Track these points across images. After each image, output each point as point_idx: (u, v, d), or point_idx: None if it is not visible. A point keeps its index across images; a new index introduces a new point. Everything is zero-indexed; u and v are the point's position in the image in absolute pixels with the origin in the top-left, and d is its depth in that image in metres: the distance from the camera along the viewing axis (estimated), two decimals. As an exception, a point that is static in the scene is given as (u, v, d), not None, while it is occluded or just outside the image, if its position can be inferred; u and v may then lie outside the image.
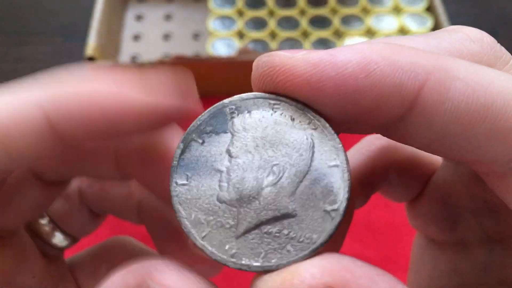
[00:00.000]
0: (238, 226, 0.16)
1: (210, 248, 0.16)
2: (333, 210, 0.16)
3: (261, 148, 0.16)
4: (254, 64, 0.17)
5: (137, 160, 0.21)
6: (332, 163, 0.16)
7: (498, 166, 0.16)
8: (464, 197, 0.23)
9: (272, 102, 0.17)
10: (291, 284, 0.14)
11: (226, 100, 0.17)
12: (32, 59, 0.67)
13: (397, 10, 0.68)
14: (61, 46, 0.68)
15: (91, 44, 0.58)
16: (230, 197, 0.16)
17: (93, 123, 0.17)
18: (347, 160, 0.16)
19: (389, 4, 0.68)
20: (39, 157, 0.18)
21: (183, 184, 0.16)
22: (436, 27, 0.64)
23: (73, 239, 0.26)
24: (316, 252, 0.16)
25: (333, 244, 0.22)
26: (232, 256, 0.16)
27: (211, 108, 0.17)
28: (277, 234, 0.16)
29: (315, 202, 0.16)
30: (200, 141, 0.17)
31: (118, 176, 0.23)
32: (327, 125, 0.16)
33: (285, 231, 0.16)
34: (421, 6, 0.67)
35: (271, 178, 0.16)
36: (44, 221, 0.25)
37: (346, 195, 0.16)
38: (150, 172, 0.21)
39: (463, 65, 0.16)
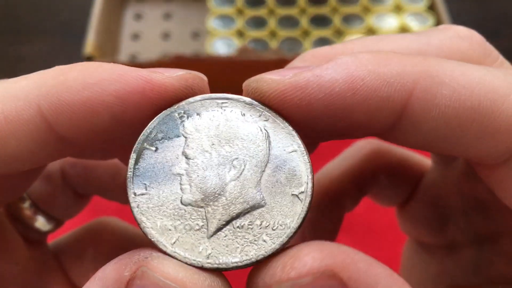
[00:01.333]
0: (209, 225, 0.16)
1: (182, 253, 0.16)
2: (301, 192, 0.16)
3: (217, 145, 0.17)
4: (244, 88, 0.17)
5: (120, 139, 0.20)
6: (290, 148, 0.17)
7: (489, 160, 0.17)
8: (454, 197, 0.24)
9: (220, 101, 0.17)
10: (292, 267, 0.14)
11: (174, 106, 0.17)
12: (31, 58, 0.67)
13: (398, 9, 0.68)
14: (60, 45, 0.68)
15: (90, 43, 0.58)
16: (194, 198, 0.16)
17: (92, 116, 0.16)
18: (303, 143, 0.17)
19: (390, 3, 0.68)
20: (35, 159, 0.17)
21: (142, 194, 0.16)
22: (437, 26, 0.64)
23: (57, 222, 0.25)
24: (292, 237, 0.16)
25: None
26: (208, 257, 0.16)
27: (160, 115, 0.17)
28: (250, 226, 0.16)
29: (282, 188, 0.16)
30: (153, 148, 0.17)
31: (100, 155, 0.22)
32: (278, 114, 0.17)
33: (258, 222, 0.16)
34: (422, 5, 0.67)
35: (233, 172, 0.16)
36: (25, 205, 0.24)
37: (310, 176, 0.16)
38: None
39: (449, 68, 0.16)
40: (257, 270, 0.16)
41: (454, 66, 0.16)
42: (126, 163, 0.21)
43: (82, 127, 0.16)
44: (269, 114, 0.17)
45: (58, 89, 0.16)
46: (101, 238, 0.26)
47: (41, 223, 0.24)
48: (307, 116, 0.16)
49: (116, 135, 0.17)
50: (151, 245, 0.16)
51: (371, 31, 0.66)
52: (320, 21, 0.66)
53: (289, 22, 0.66)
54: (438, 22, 0.64)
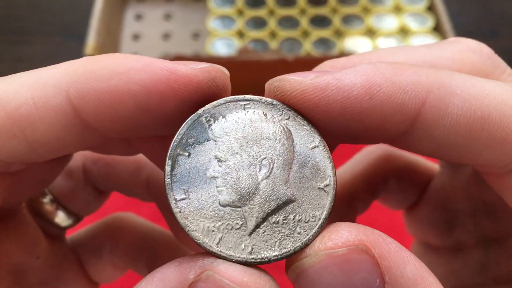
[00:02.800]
0: (248, 223, 0.17)
1: (227, 252, 0.17)
2: (326, 185, 0.17)
3: (246, 146, 0.17)
4: (266, 87, 0.18)
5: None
6: (311, 145, 0.18)
7: (497, 168, 0.17)
8: (462, 199, 0.24)
9: (243, 103, 0.18)
10: (330, 239, 0.16)
11: (199, 110, 0.17)
12: (31, 58, 0.67)
13: (397, 9, 0.68)
14: (60, 46, 0.68)
15: (91, 44, 0.58)
16: (231, 198, 0.17)
17: (118, 104, 0.16)
18: (323, 139, 0.18)
19: (389, 3, 0.68)
20: (61, 146, 0.17)
21: (183, 199, 0.17)
22: (437, 26, 0.64)
23: (76, 218, 0.26)
24: (323, 227, 0.17)
25: None
26: (250, 253, 0.17)
27: (188, 120, 0.17)
28: (285, 221, 0.17)
29: (308, 183, 0.17)
30: (186, 154, 0.17)
31: (125, 150, 0.22)
32: (297, 113, 0.18)
33: (291, 216, 0.17)
34: (421, 6, 0.67)
35: (263, 171, 0.17)
36: (46, 200, 0.24)
37: (333, 170, 0.17)
38: (160, 146, 0.21)
39: (461, 79, 0.17)
40: (300, 254, 0.17)
41: (465, 78, 0.17)
42: (151, 158, 0.22)
43: (107, 114, 0.17)
44: (290, 113, 0.18)
45: (86, 77, 0.16)
46: (118, 233, 0.27)
47: (61, 218, 0.25)
48: (325, 116, 0.17)
49: (140, 125, 0.17)
50: (194, 247, 0.17)
51: (370, 32, 0.66)
52: (320, 21, 0.66)
53: (289, 22, 0.66)
54: (438, 23, 0.64)
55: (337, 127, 0.17)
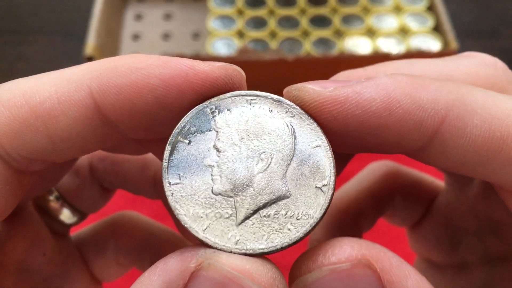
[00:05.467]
0: (238, 214, 0.17)
1: (213, 239, 0.17)
2: (324, 185, 0.17)
3: (246, 139, 0.18)
4: (285, 93, 0.18)
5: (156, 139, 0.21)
6: (314, 144, 0.18)
7: (511, 187, 0.17)
8: (467, 217, 0.24)
9: (249, 98, 0.18)
10: (333, 254, 0.16)
11: (206, 102, 0.18)
12: (31, 58, 0.67)
13: (397, 9, 0.68)
14: (60, 46, 0.68)
15: (91, 44, 0.58)
16: (224, 188, 0.17)
17: (137, 98, 0.17)
18: (327, 139, 0.18)
19: (389, 3, 0.68)
20: (82, 143, 0.18)
21: (176, 183, 0.17)
22: (437, 26, 0.64)
23: (81, 215, 0.26)
24: (315, 226, 0.17)
25: None
26: (236, 243, 0.17)
27: (193, 110, 0.18)
28: (276, 216, 0.17)
29: (306, 181, 0.17)
30: (187, 141, 0.18)
31: (135, 150, 0.22)
32: (303, 111, 0.18)
33: (283, 212, 0.17)
34: (421, 6, 0.67)
35: (261, 165, 0.17)
36: (52, 197, 0.24)
37: (333, 170, 0.17)
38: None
39: (482, 97, 0.17)
40: (301, 258, 0.17)
41: (487, 96, 0.17)
42: (160, 157, 0.22)
43: (127, 109, 0.17)
44: (295, 111, 0.18)
45: (108, 73, 0.17)
46: (122, 232, 0.27)
47: (66, 215, 0.25)
48: (342, 128, 0.17)
49: (156, 122, 0.18)
50: (184, 232, 0.17)
51: (370, 32, 0.66)
52: (320, 21, 0.66)
53: (289, 22, 0.66)
54: (438, 23, 0.64)
55: (353, 138, 0.17)
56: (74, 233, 0.27)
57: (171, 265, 0.16)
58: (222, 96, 0.18)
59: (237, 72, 0.18)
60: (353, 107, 0.16)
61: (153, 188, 0.26)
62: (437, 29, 0.64)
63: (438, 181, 0.27)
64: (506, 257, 0.23)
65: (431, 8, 0.67)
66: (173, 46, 0.67)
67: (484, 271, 0.24)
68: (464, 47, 0.64)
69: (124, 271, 0.28)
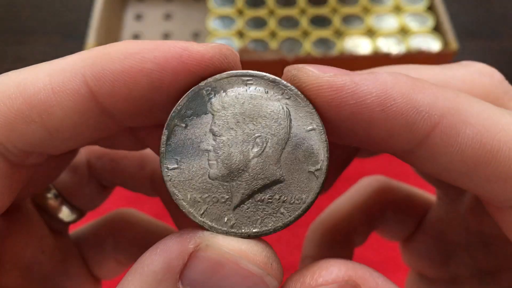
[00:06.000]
0: (233, 198, 0.17)
1: (209, 223, 0.17)
2: (317, 170, 0.17)
3: (242, 123, 0.18)
4: (285, 72, 0.18)
5: (153, 127, 0.21)
6: (309, 127, 0.18)
7: (497, 202, 0.17)
8: (458, 232, 0.25)
9: (245, 78, 0.18)
10: (320, 275, 0.16)
11: (201, 83, 0.18)
12: (31, 58, 0.67)
13: (397, 9, 0.68)
14: (60, 46, 0.68)
15: (91, 44, 0.58)
16: (221, 173, 0.17)
17: (132, 83, 0.17)
18: (322, 122, 0.18)
19: (389, 3, 0.68)
20: (78, 134, 0.18)
21: (174, 168, 0.17)
22: (437, 26, 0.64)
23: (79, 213, 0.26)
24: (306, 210, 0.17)
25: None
26: (232, 226, 0.17)
27: (189, 92, 0.18)
28: (270, 200, 0.17)
29: (299, 165, 0.17)
30: (183, 125, 0.18)
31: (131, 145, 0.22)
32: (299, 92, 0.18)
33: (277, 196, 0.17)
34: (421, 6, 0.67)
35: (256, 149, 0.17)
36: (50, 195, 0.24)
37: (326, 155, 0.17)
38: None
39: (477, 108, 0.16)
40: (291, 278, 0.17)
41: (483, 108, 0.17)
42: (157, 151, 0.22)
43: (122, 95, 0.17)
44: (291, 92, 0.18)
45: (101, 59, 0.17)
46: (120, 229, 0.27)
47: (64, 213, 0.25)
48: (335, 116, 0.17)
49: (153, 107, 0.18)
50: (183, 216, 0.17)
51: (370, 32, 0.66)
52: (320, 21, 0.66)
53: (289, 22, 0.66)
54: (438, 23, 0.64)
55: (345, 129, 0.17)
56: (72, 231, 0.27)
57: (170, 246, 0.16)
58: (217, 77, 0.18)
59: (231, 51, 0.18)
60: (348, 96, 0.16)
61: (150, 185, 0.26)
62: (437, 29, 0.64)
63: (429, 196, 0.27)
64: (496, 271, 0.24)
65: (431, 8, 0.67)
66: (173, 46, 0.67)
67: (475, 285, 0.24)
68: (464, 47, 0.64)
69: (123, 268, 0.28)
